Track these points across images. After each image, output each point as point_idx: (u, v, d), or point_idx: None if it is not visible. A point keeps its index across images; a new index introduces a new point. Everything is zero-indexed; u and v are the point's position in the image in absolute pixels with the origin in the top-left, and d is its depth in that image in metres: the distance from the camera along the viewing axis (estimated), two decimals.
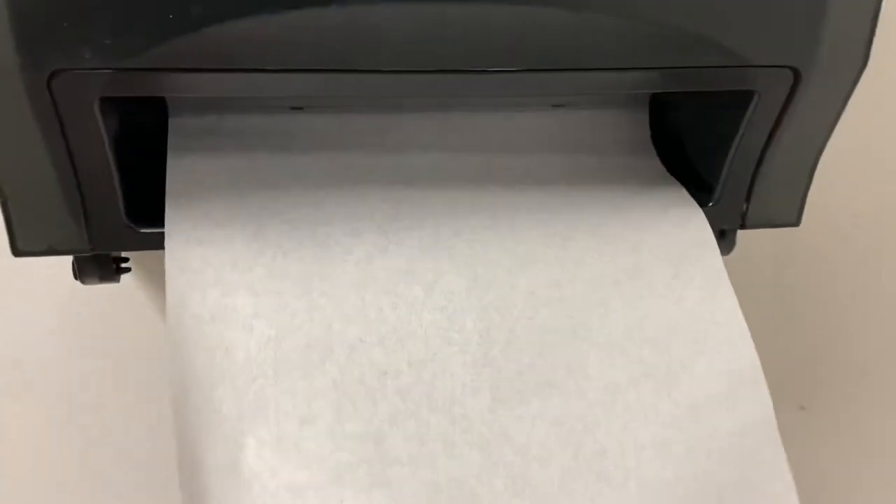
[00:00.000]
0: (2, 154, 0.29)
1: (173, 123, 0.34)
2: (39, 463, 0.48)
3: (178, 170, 0.33)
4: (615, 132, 0.39)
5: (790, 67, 0.31)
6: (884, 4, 0.31)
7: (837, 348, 0.61)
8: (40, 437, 0.48)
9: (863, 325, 0.60)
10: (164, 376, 0.48)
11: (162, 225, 0.32)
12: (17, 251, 0.31)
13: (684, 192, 0.36)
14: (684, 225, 0.35)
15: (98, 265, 0.34)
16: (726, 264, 0.39)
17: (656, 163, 0.38)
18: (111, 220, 0.31)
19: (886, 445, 0.64)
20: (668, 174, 0.37)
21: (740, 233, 0.39)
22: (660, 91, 0.33)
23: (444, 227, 0.33)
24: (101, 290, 0.45)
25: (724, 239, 0.38)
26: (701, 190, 0.36)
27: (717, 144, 0.35)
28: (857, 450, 0.64)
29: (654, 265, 0.34)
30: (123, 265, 0.35)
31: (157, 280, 0.46)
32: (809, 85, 0.32)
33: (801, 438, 0.62)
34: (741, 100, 0.33)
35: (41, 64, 0.27)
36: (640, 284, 0.33)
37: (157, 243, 0.32)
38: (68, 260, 0.34)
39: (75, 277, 0.35)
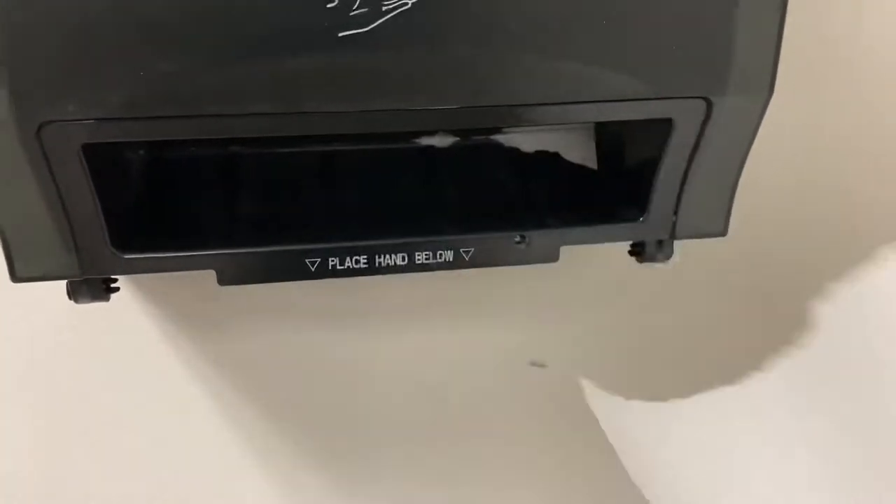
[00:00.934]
0: (1, 195, 0.33)
1: None
2: (35, 469, 0.52)
3: None
4: (563, 152, 0.42)
5: (702, 98, 0.35)
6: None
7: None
8: (38, 443, 0.52)
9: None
10: (157, 382, 0.52)
11: (144, 251, 0.35)
12: (15, 278, 0.35)
13: None
14: None
15: (89, 288, 0.38)
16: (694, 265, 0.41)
17: None
18: (98, 248, 0.35)
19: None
20: None
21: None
22: (583, 122, 0.37)
23: None
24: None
25: (662, 248, 0.42)
26: (634, 204, 0.39)
27: (645, 165, 0.38)
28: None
29: None
30: (113, 286, 0.39)
31: (146, 295, 0.50)
32: (721, 112, 0.36)
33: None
34: (662, 127, 0.36)
35: (31, 116, 0.30)
36: None
37: (140, 267, 0.36)
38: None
39: (69, 298, 0.38)
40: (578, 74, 0.33)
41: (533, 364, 0.57)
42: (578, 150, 0.42)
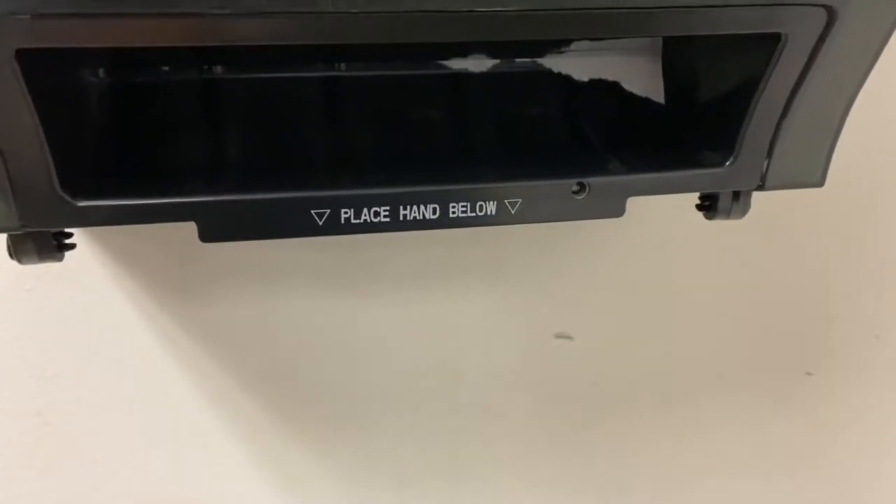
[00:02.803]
0: None
1: None
2: None
3: None
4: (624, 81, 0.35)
5: (823, 6, 0.27)
6: None
7: (844, 315, 0.58)
8: None
9: (870, 291, 0.58)
10: (121, 350, 0.45)
11: (104, 197, 0.27)
12: None
13: None
14: None
15: (36, 244, 0.30)
16: (731, 227, 0.36)
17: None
18: (44, 193, 0.27)
19: (891, 413, 0.62)
20: None
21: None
22: (679, 34, 0.29)
23: None
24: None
25: (738, 202, 0.35)
26: (718, 147, 0.32)
27: (736, 95, 0.31)
28: (863, 416, 0.62)
29: None
30: (66, 241, 0.31)
31: (113, 251, 0.42)
32: (843, 25, 0.28)
33: (807, 404, 0.59)
34: (766, 44, 0.29)
35: None
36: None
37: (99, 218, 0.28)
38: None
39: (11, 257, 0.30)
40: None
41: (559, 337, 0.51)
42: (642, 79, 0.35)
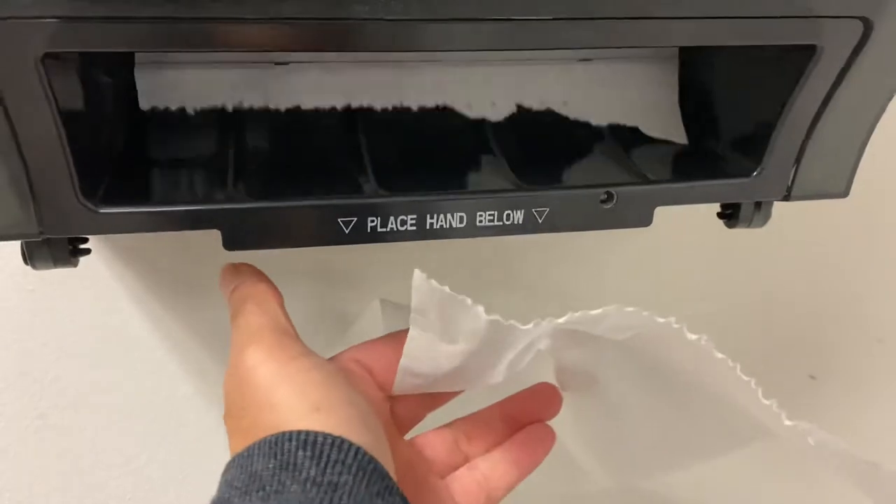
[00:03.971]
0: None
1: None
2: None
3: None
4: (640, 90, 0.34)
5: (860, 17, 0.27)
6: None
7: (848, 318, 0.58)
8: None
9: (874, 294, 0.58)
10: (125, 351, 0.44)
11: (126, 204, 0.27)
12: None
13: None
14: None
15: (52, 250, 0.29)
16: (736, 232, 0.35)
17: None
18: (64, 200, 0.26)
19: (894, 416, 0.62)
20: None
21: None
22: (716, 44, 0.29)
23: None
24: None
25: (759, 211, 0.34)
26: (745, 157, 0.32)
27: (765, 105, 0.30)
28: (866, 420, 0.62)
29: None
30: (82, 246, 0.30)
31: (121, 253, 0.42)
32: (879, 37, 0.28)
33: (810, 408, 0.59)
34: (800, 55, 0.28)
35: None
36: None
37: (120, 225, 0.27)
38: None
39: (25, 262, 0.30)
40: None
41: None
42: (661, 88, 0.34)
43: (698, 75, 0.34)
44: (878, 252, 0.56)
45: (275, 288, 0.31)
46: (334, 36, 0.25)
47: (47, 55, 0.23)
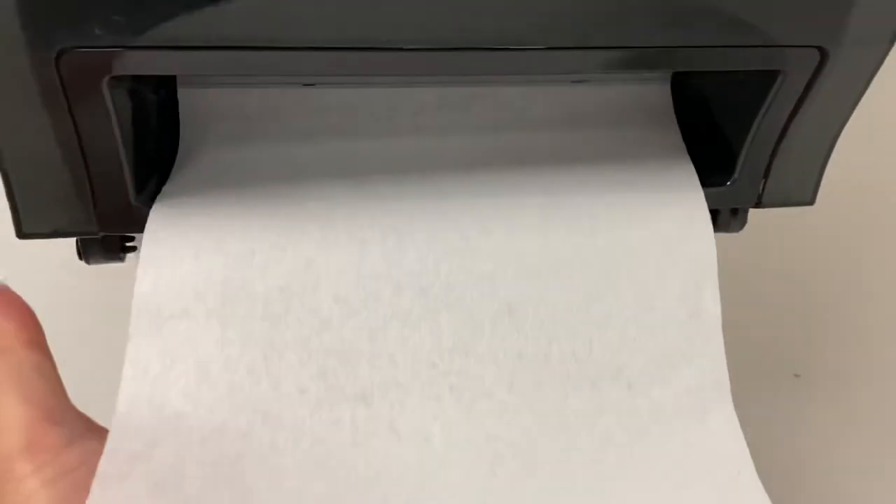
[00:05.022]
0: (6, 135, 0.28)
1: (183, 101, 0.33)
2: None
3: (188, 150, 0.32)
4: (638, 107, 0.38)
5: (817, 47, 0.31)
6: None
7: (833, 316, 0.61)
8: None
9: (858, 293, 0.61)
10: None
11: None
12: (21, 234, 0.30)
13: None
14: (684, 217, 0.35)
15: (104, 247, 0.33)
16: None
17: (677, 139, 0.37)
18: (120, 202, 0.30)
19: (880, 414, 0.66)
20: (684, 152, 0.37)
21: None
22: (689, 70, 0.32)
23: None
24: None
25: (736, 217, 0.38)
26: (720, 167, 0.35)
27: (738, 122, 0.34)
28: (852, 418, 0.65)
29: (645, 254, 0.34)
30: (129, 244, 0.34)
31: None
32: (835, 65, 0.31)
33: (795, 406, 0.63)
34: (766, 79, 0.32)
35: (48, 42, 0.25)
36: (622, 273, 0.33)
37: None
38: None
39: (80, 258, 0.34)
40: (683, 16, 0.29)
41: None
42: (655, 105, 0.38)
43: (684, 95, 0.38)
44: (860, 252, 0.60)
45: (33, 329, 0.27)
46: (359, 63, 0.29)
47: (112, 77, 0.27)
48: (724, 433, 0.33)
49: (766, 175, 0.35)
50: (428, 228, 0.32)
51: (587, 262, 0.33)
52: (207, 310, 0.29)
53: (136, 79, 0.29)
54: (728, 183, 0.35)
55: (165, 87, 0.33)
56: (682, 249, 0.34)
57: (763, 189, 0.36)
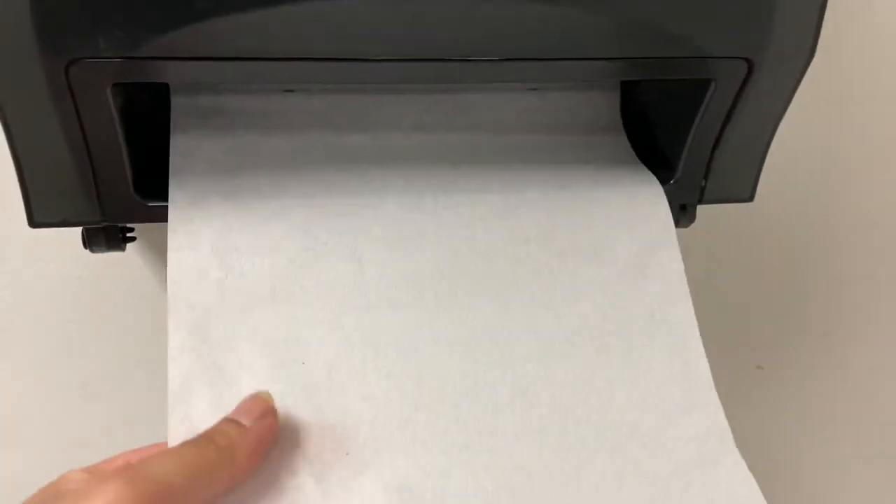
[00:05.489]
0: (20, 134, 0.31)
1: (175, 104, 0.37)
2: (39, 415, 0.52)
3: (180, 148, 0.36)
4: (588, 113, 0.41)
5: (744, 58, 0.34)
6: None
7: (793, 311, 0.64)
8: (39, 386, 0.51)
9: (818, 289, 0.64)
10: (158, 329, 0.51)
11: (167, 199, 0.34)
12: (33, 223, 0.34)
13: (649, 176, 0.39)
14: (647, 215, 0.38)
15: (107, 235, 0.36)
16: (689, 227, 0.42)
17: (624, 141, 0.41)
18: (121, 194, 0.34)
19: (839, 404, 0.69)
20: (633, 154, 0.40)
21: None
22: (625, 79, 0.36)
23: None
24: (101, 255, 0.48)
25: (685, 213, 0.42)
26: (664, 167, 0.39)
27: (678, 126, 0.38)
28: (812, 407, 0.68)
29: (615, 250, 0.37)
30: (129, 234, 0.38)
31: (154, 245, 0.49)
32: (761, 74, 0.35)
33: (757, 397, 0.66)
34: (700, 87, 0.36)
35: (60, 53, 0.29)
36: (594, 271, 0.36)
37: (163, 216, 0.34)
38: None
39: (85, 246, 0.37)
40: (626, 32, 0.32)
41: None
42: (604, 110, 0.42)
43: (631, 102, 0.42)
44: (820, 249, 0.62)
45: None
46: (342, 71, 0.32)
47: (115, 84, 0.31)
48: (736, 476, 0.36)
49: (706, 174, 0.39)
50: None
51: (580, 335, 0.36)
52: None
53: (135, 85, 0.33)
54: (671, 181, 0.39)
55: (159, 91, 0.37)
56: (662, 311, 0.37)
57: (704, 187, 0.39)
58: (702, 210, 0.42)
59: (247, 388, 0.32)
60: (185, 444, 0.29)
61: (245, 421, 0.30)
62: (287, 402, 0.32)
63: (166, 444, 0.31)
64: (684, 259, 0.38)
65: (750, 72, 0.35)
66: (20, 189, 0.33)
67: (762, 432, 0.66)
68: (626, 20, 0.32)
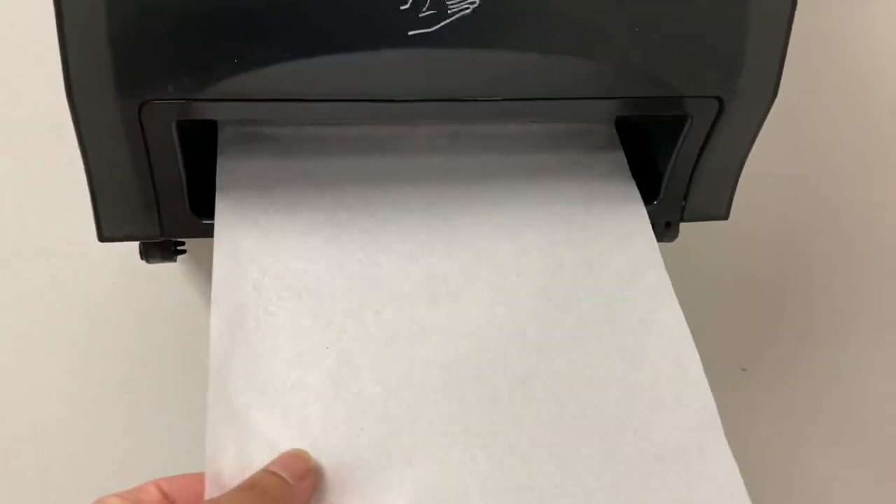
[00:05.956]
0: (96, 162, 0.37)
1: (222, 132, 0.42)
2: (84, 416, 0.57)
3: (226, 169, 0.41)
4: (588, 137, 0.47)
5: (716, 97, 0.40)
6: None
7: (777, 315, 0.69)
8: (87, 383, 0.56)
9: (801, 293, 0.69)
10: (193, 331, 0.56)
11: None
12: (102, 237, 0.39)
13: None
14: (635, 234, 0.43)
15: (162, 249, 0.42)
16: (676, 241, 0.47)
17: (622, 159, 0.46)
18: (179, 213, 0.39)
19: (820, 404, 0.73)
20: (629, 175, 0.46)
21: None
22: (612, 116, 0.42)
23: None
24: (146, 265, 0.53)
25: (669, 229, 0.47)
26: (650, 188, 0.44)
27: (662, 153, 0.43)
28: (797, 409, 0.73)
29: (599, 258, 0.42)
30: (179, 248, 0.44)
31: (197, 257, 0.54)
32: (731, 111, 0.40)
33: (742, 399, 0.70)
34: (679, 121, 0.41)
35: (135, 96, 0.35)
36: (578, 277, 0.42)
37: (213, 232, 0.40)
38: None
39: (141, 258, 0.43)
40: (611, 74, 0.38)
41: None
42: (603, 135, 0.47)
43: (627, 129, 0.47)
44: (802, 255, 0.67)
45: None
46: (366, 110, 0.38)
47: (178, 121, 0.36)
48: (720, 465, 0.39)
49: (686, 195, 0.44)
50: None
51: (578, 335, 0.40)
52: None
53: (193, 121, 0.38)
54: (655, 202, 0.44)
55: (210, 126, 0.43)
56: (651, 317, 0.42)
57: (684, 206, 0.45)
58: (688, 224, 0.47)
59: (275, 367, 0.37)
60: (238, 491, 0.32)
61: (287, 476, 0.32)
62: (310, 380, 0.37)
63: (198, 474, 0.34)
64: (672, 270, 0.43)
65: (721, 109, 0.40)
66: (92, 208, 0.39)
67: (747, 430, 0.71)
68: (614, 66, 0.38)
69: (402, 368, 0.38)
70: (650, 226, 0.43)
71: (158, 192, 0.39)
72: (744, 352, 0.70)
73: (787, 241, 0.66)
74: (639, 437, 0.38)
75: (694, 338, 0.42)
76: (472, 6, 0.35)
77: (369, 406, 0.37)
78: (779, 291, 0.68)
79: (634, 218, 0.44)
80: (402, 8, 0.35)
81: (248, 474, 0.33)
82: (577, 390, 0.39)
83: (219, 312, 0.37)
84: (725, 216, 0.46)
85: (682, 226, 0.48)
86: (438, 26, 0.35)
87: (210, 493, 0.33)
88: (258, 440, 0.35)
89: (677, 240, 0.56)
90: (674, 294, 0.42)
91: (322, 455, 0.35)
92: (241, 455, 0.34)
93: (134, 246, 0.42)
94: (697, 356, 0.41)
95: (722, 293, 0.66)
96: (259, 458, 0.34)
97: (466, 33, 0.35)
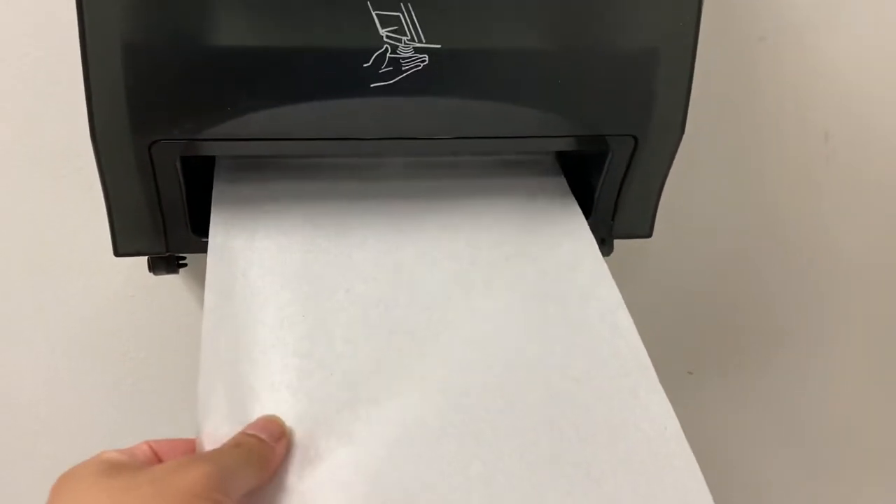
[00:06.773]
0: (114, 190, 0.45)
1: (218, 162, 0.50)
2: (91, 415, 0.64)
3: (219, 191, 0.49)
4: (536, 169, 0.55)
5: (631, 135, 0.48)
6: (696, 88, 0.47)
7: (721, 320, 0.75)
8: (96, 391, 0.64)
9: (744, 299, 0.75)
10: (195, 339, 0.63)
11: None
12: (117, 252, 0.47)
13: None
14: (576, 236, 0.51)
15: (167, 263, 0.50)
16: (625, 246, 0.53)
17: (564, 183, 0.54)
18: (182, 232, 0.47)
19: (765, 406, 0.80)
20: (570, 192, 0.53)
21: None
22: (543, 151, 0.50)
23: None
24: (150, 278, 0.60)
25: (605, 244, 0.55)
26: (584, 208, 0.52)
27: (591, 181, 0.51)
28: (740, 410, 0.79)
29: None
30: (182, 262, 0.51)
31: (197, 270, 0.61)
32: (645, 147, 0.48)
33: (688, 401, 0.76)
34: (603, 154, 0.49)
35: (146, 137, 0.42)
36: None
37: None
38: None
39: (149, 270, 0.50)
40: (542, 117, 0.46)
41: None
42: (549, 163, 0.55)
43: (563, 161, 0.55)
44: (746, 262, 0.73)
45: None
46: (339, 146, 0.46)
47: (182, 156, 0.44)
48: (650, 401, 0.44)
49: (613, 216, 0.52)
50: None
51: None
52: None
53: (195, 156, 0.46)
54: (589, 219, 0.52)
55: (207, 158, 0.50)
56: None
57: (612, 225, 0.52)
58: (635, 241, 0.54)
59: (259, 332, 0.43)
60: (227, 447, 0.36)
61: (265, 437, 0.37)
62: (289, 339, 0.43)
63: (188, 439, 0.39)
64: (623, 284, 0.48)
65: (636, 144, 0.48)
66: (109, 228, 0.46)
67: (693, 430, 0.76)
68: (545, 111, 0.46)
69: (368, 333, 0.44)
70: (588, 227, 0.51)
71: (165, 215, 0.46)
72: (690, 356, 0.76)
73: (729, 259, 0.73)
74: (580, 385, 0.44)
75: (645, 343, 0.46)
76: (423, 63, 0.43)
77: (340, 358, 0.43)
78: (722, 303, 0.74)
79: (575, 218, 0.51)
80: (365, 65, 0.42)
81: (234, 421, 0.38)
82: (526, 347, 0.45)
83: (211, 290, 0.44)
84: (649, 234, 0.54)
85: (634, 243, 0.56)
86: (395, 80, 0.43)
87: (203, 434, 0.38)
88: (244, 388, 0.41)
89: (632, 257, 0.63)
90: (610, 275, 0.48)
91: (298, 393, 0.41)
92: (229, 399, 0.40)
93: (142, 261, 0.50)
94: (631, 320, 0.47)
95: (672, 304, 0.73)
96: (244, 405, 0.40)
97: (419, 84, 0.43)
